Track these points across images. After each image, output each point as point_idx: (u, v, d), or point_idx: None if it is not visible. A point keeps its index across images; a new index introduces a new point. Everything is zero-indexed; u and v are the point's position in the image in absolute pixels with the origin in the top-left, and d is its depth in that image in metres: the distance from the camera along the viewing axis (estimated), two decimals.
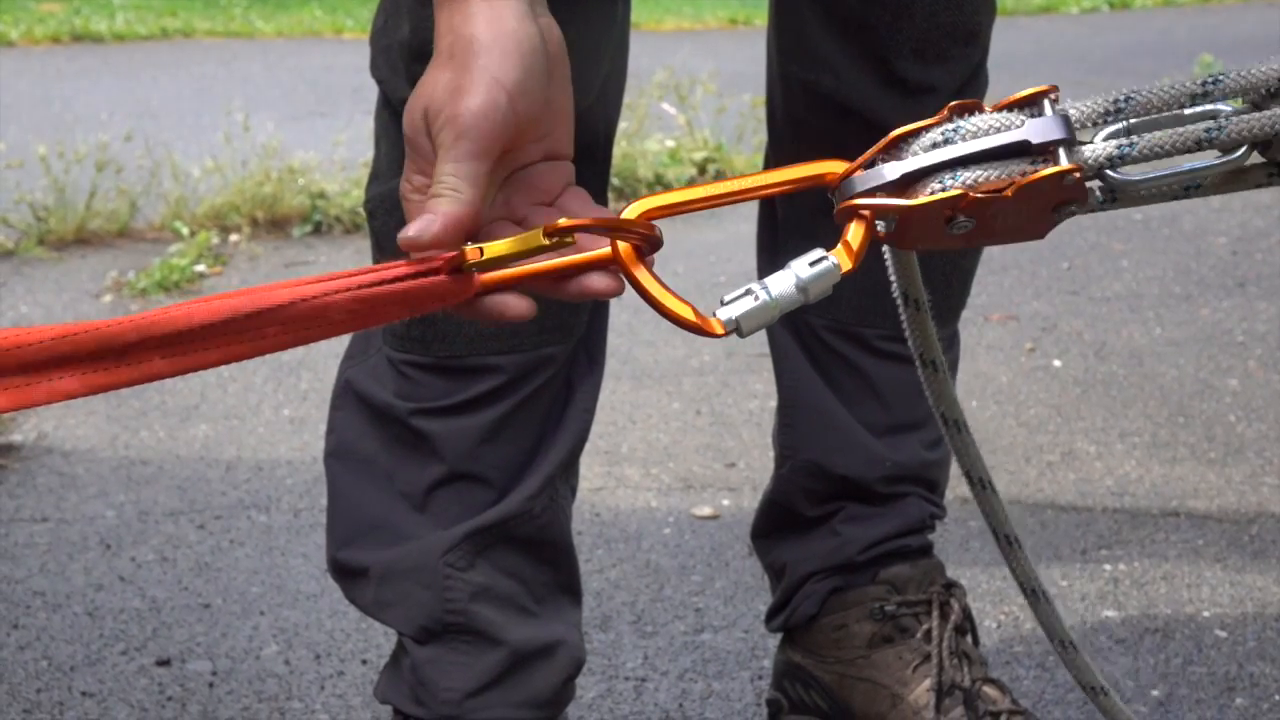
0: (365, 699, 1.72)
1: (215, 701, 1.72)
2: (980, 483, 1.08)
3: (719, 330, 0.83)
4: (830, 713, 1.57)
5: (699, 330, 0.83)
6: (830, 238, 0.85)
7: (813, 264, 0.83)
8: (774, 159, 1.51)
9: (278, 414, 2.63)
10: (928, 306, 1.01)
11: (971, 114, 0.83)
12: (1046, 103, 0.82)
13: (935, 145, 0.82)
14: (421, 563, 1.36)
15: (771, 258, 1.52)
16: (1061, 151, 0.81)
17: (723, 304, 0.84)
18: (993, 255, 3.22)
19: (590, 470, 2.31)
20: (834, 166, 0.85)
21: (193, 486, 2.32)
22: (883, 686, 1.51)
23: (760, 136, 4.32)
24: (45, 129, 4.70)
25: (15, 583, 2.00)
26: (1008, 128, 0.82)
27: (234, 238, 3.73)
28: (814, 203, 0.90)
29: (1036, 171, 0.81)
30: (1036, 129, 0.81)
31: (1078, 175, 0.81)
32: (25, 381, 0.83)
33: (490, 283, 0.84)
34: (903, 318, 1.01)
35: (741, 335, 0.84)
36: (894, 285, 0.99)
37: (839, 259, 0.83)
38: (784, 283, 0.83)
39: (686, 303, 0.84)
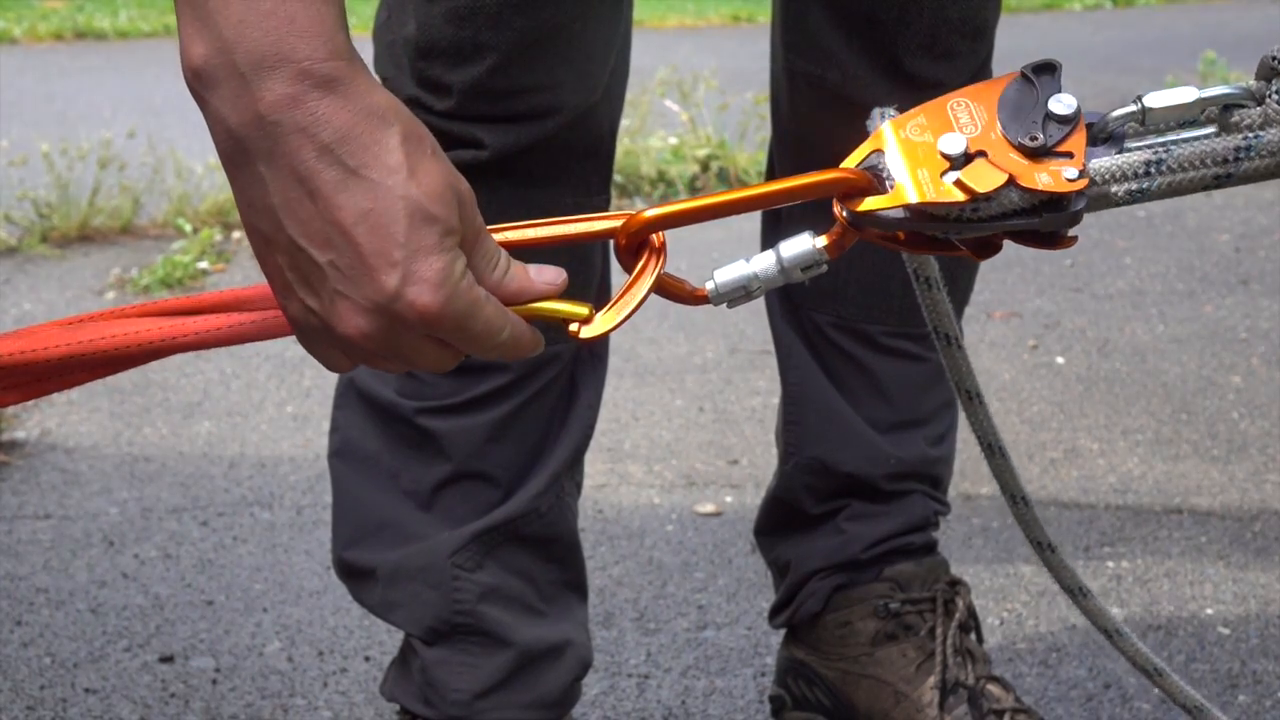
0: (368, 696, 1.72)
1: (218, 698, 1.72)
2: (991, 448, 1.10)
3: (701, 293, 0.85)
4: (833, 710, 1.56)
5: (690, 299, 0.85)
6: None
7: (794, 244, 0.85)
8: (778, 155, 1.50)
9: (280, 411, 2.63)
10: (940, 284, 1.02)
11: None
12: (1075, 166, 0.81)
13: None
14: (429, 563, 1.36)
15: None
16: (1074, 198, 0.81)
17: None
18: None
19: (593, 467, 2.31)
20: (843, 175, 0.85)
21: (196, 483, 2.32)
22: (886, 684, 1.51)
23: (763, 133, 4.32)
24: (48, 126, 4.70)
25: (18, 579, 2.00)
26: (1027, 212, 0.81)
27: (237, 235, 3.73)
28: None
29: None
30: (1053, 221, 0.81)
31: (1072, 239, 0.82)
32: (32, 378, 0.84)
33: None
34: (919, 297, 1.03)
35: (714, 302, 0.85)
36: (906, 262, 1.01)
37: (824, 244, 0.85)
38: (766, 259, 0.85)
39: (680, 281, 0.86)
